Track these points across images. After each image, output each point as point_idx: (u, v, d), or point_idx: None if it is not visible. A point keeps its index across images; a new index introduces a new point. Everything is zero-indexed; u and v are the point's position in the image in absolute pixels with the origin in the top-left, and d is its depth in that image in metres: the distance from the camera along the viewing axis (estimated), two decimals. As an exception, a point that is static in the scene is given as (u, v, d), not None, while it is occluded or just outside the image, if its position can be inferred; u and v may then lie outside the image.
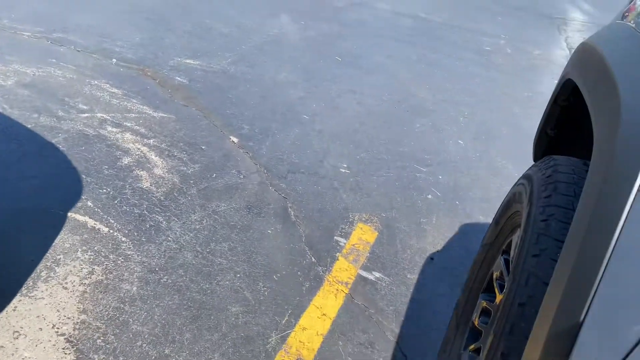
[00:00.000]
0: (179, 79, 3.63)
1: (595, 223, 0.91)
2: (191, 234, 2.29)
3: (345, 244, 2.45)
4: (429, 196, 2.99)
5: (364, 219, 2.65)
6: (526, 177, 1.46)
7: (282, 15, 5.57)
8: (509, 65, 5.72)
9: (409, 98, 4.25)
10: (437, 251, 2.57)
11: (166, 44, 4.15)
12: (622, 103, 1.02)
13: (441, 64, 5.25)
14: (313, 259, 2.31)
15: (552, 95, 1.67)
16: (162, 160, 2.73)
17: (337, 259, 2.35)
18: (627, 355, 0.76)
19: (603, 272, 0.84)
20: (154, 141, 2.87)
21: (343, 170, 3.02)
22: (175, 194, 2.51)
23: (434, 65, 5.16)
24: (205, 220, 2.39)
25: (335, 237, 2.47)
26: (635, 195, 0.86)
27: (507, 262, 1.50)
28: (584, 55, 1.46)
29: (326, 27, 5.54)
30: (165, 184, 2.56)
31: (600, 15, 9.48)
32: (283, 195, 2.69)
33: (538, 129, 1.79)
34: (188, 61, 3.93)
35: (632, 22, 1.37)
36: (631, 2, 1.55)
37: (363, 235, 2.53)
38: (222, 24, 4.89)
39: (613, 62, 1.20)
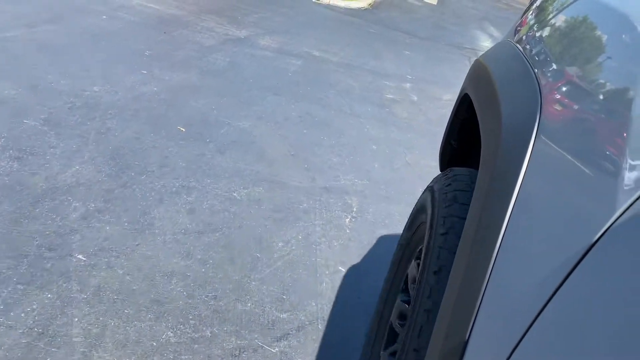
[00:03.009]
0: None
1: (479, 236, 0.89)
2: None
3: None
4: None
5: None
6: (429, 188, 1.49)
7: (121, 62, 4.14)
8: (415, 120, 4.63)
9: (275, 191, 2.96)
10: None
11: None
12: (503, 116, 1.03)
13: (330, 125, 4.04)
14: None
15: (453, 108, 1.69)
16: None
17: None
18: None
19: (486, 285, 0.79)
20: None
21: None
22: None
23: (321, 127, 3.94)
24: None
25: None
26: (514, 205, 0.83)
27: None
28: (477, 71, 1.49)
29: (179, 76, 4.17)
30: None
31: (512, 46, 8.86)
32: None
33: (442, 140, 1.80)
34: None
35: (523, 36, 1.39)
36: (522, 16, 1.62)
37: None
38: (10, 81, 3.38)
39: (497, 78, 1.24)
